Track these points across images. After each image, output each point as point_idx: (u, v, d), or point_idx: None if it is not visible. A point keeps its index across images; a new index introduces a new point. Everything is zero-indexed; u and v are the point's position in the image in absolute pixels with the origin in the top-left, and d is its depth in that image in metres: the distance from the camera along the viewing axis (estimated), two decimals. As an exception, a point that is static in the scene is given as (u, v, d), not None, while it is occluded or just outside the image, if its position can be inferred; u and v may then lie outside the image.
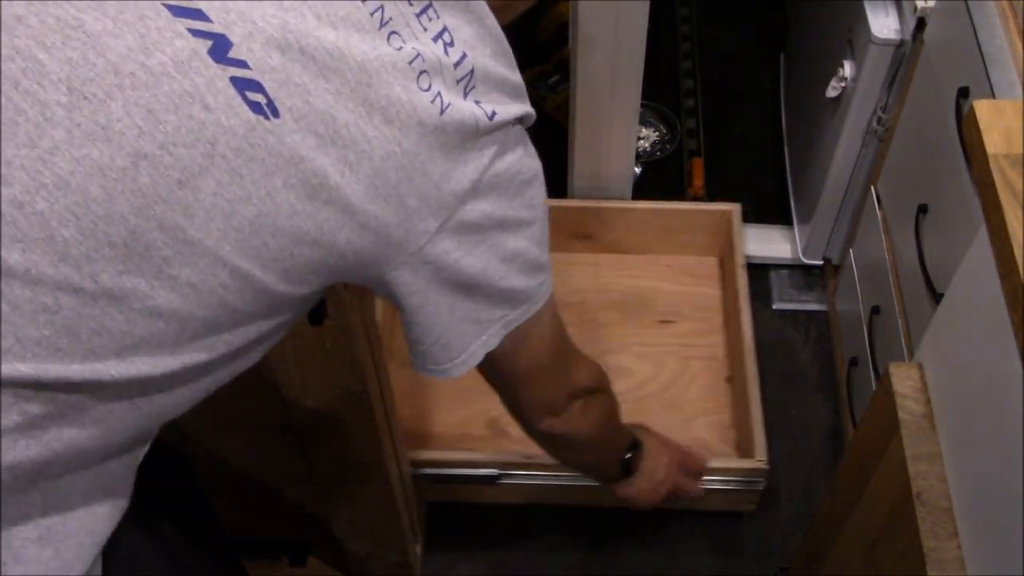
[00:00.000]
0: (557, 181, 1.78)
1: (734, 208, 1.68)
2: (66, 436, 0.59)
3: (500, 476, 1.42)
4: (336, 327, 0.96)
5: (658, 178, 1.96)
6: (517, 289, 0.75)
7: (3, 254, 0.52)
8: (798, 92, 1.87)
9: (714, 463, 1.39)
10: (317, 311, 0.94)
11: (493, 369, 0.82)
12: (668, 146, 2.00)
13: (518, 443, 1.50)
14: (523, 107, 0.72)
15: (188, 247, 0.57)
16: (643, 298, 1.69)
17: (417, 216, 0.64)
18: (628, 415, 1.53)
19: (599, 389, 0.97)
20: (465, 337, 0.75)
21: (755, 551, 1.52)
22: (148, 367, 0.60)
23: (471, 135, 0.65)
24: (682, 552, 1.53)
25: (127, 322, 0.57)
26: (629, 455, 1.10)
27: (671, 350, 1.63)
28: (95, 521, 0.65)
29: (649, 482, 1.14)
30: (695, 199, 1.89)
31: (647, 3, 1.40)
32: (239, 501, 1.29)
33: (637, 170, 1.91)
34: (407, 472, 1.33)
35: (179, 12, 0.55)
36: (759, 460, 1.37)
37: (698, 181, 1.92)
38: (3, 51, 0.52)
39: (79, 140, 0.53)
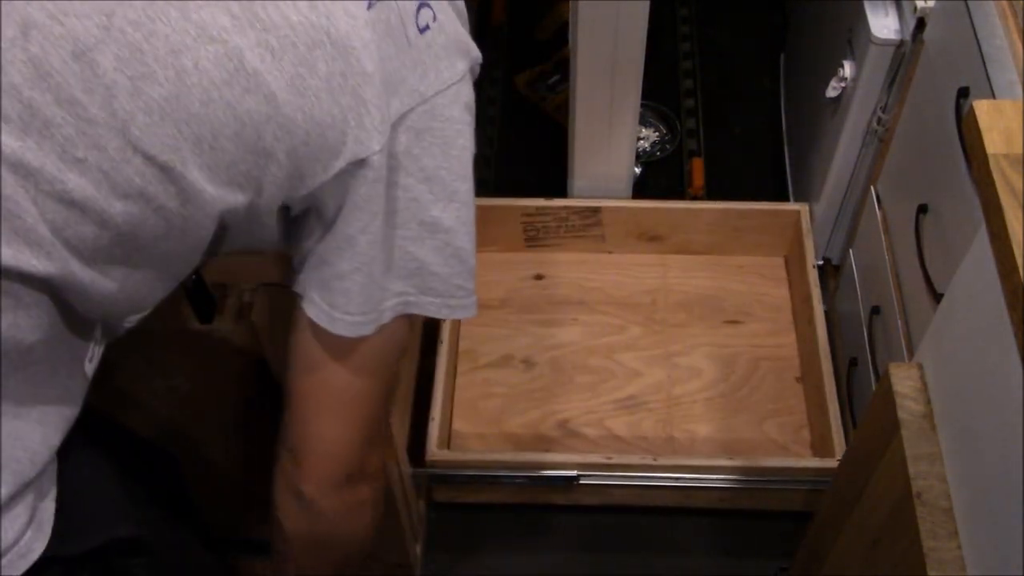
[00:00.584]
0: (557, 181, 1.78)
1: (802, 208, 1.67)
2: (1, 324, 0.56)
3: (579, 477, 1.42)
4: (336, 327, 0.95)
5: (658, 178, 1.96)
6: (429, 268, 0.68)
7: None
8: (798, 92, 1.87)
9: (792, 463, 1.41)
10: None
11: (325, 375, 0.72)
12: (668, 146, 2.00)
13: (594, 444, 1.52)
14: (467, 35, 0.66)
15: (91, 126, 0.54)
16: (711, 298, 1.70)
17: (355, 120, 0.59)
18: (698, 417, 1.56)
19: (378, 486, 0.82)
20: (368, 292, 0.67)
21: (755, 551, 1.52)
22: (75, 266, 0.57)
23: (403, 43, 0.61)
24: (682, 552, 1.53)
25: (35, 203, 0.54)
26: None
27: (740, 350, 1.63)
28: (29, 428, 0.63)
29: None
30: (695, 199, 1.89)
31: (647, 3, 1.40)
32: (239, 501, 1.29)
33: (637, 170, 1.91)
34: (407, 472, 1.33)
35: None
36: (838, 459, 1.36)
37: (698, 181, 1.92)
38: None
39: None
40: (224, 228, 0.64)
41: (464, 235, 0.69)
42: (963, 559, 0.79)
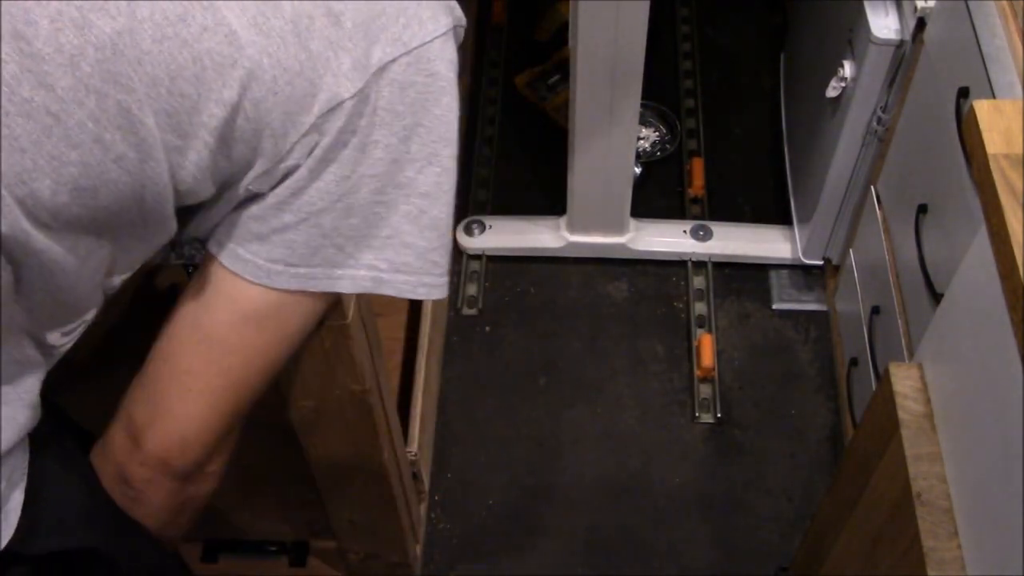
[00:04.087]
0: (557, 182, 1.78)
1: None
2: None
3: None
4: (336, 327, 0.95)
5: (658, 178, 1.96)
6: (402, 237, 0.63)
7: None
8: (798, 92, 1.87)
9: None
10: (317, 311, 0.94)
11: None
12: (668, 146, 2.00)
13: None
14: None
15: (37, 62, 0.50)
16: None
17: (323, 66, 0.55)
18: None
19: (210, 490, 0.75)
20: (317, 245, 0.62)
21: (755, 551, 1.52)
22: (27, 226, 0.52)
23: None
24: (682, 552, 1.53)
25: None
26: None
27: None
28: None
29: None
30: (695, 199, 1.89)
31: (647, 3, 1.40)
32: (239, 501, 1.29)
33: (637, 170, 1.91)
34: (407, 472, 1.33)
35: None
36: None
37: (698, 181, 1.92)
38: None
39: None
40: (184, 196, 0.59)
41: (443, 204, 0.64)
42: (963, 559, 0.79)
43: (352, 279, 0.64)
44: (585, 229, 1.80)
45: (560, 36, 2.06)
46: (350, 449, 1.15)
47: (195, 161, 0.56)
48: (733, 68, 2.15)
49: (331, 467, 1.19)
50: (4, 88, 0.49)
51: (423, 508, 1.51)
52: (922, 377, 0.89)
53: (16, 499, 0.63)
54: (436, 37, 0.59)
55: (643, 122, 1.99)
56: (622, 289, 1.83)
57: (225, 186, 0.61)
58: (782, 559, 1.45)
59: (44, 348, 0.64)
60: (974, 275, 0.78)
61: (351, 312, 0.96)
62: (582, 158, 1.66)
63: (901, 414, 0.87)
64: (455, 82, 0.61)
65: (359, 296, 0.97)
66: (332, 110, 0.57)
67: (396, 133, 0.60)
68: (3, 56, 0.49)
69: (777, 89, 2.03)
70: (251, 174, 0.59)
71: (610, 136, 1.61)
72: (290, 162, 0.58)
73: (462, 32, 0.62)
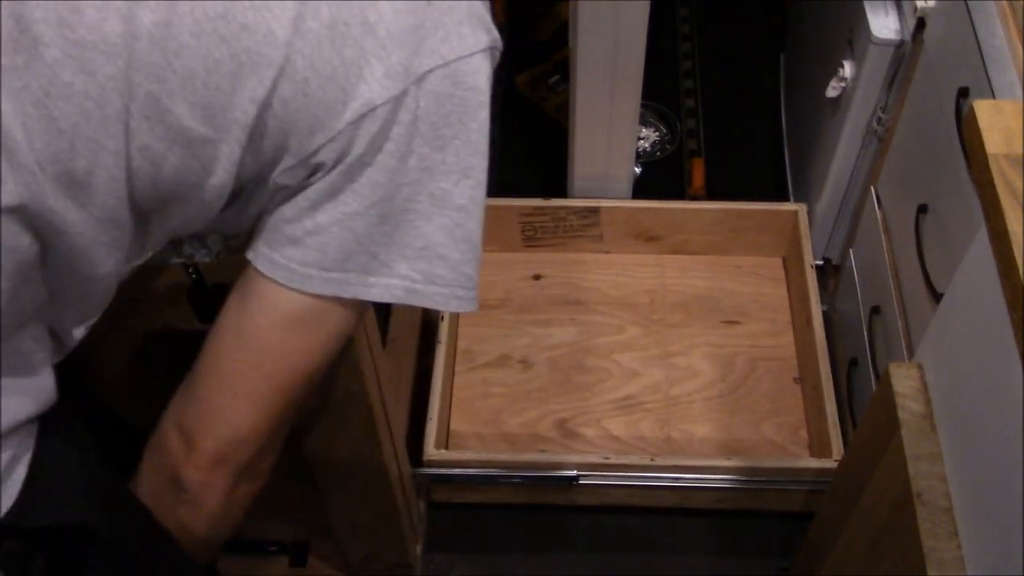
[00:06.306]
0: (557, 181, 1.78)
1: (800, 208, 1.68)
2: None
3: (579, 477, 1.42)
4: (336, 327, 0.95)
5: (658, 178, 1.96)
6: (436, 249, 0.64)
7: None
8: (798, 92, 1.87)
9: (791, 464, 1.41)
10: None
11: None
12: (668, 146, 2.00)
13: (591, 445, 1.53)
14: (488, 16, 0.62)
15: (80, 49, 0.52)
16: (709, 298, 1.70)
17: (356, 74, 0.57)
18: (696, 417, 1.56)
19: (260, 488, 0.76)
20: (350, 250, 0.63)
21: (755, 551, 1.52)
22: (49, 190, 0.54)
23: (421, 1, 0.58)
24: (682, 552, 1.53)
25: (23, 128, 0.52)
26: None
27: (738, 351, 1.63)
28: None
29: None
30: (695, 199, 1.89)
31: (647, 3, 1.40)
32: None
33: (637, 170, 1.91)
34: (407, 472, 1.33)
35: None
36: (836, 460, 1.37)
37: (698, 181, 1.92)
38: None
39: None
40: (212, 188, 0.61)
41: (476, 218, 0.65)
42: (963, 559, 0.79)
43: (385, 287, 0.64)
44: (585, 229, 1.80)
45: (560, 36, 2.05)
46: (350, 449, 1.15)
47: (227, 155, 0.57)
48: (733, 68, 2.15)
49: (331, 467, 1.19)
50: (46, 71, 0.51)
51: (423, 508, 1.51)
52: (922, 377, 0.89)
53: (19, 473, 0.63)
54: (475, 52, 0.60)
55: (643, 122, 1.99)
56: (622, 289, 1.83)
57: (252, 182, 0.62)
58: (782, 559, 1.45)
59: (58, 342, 0.65)
60: (974, 275, 0.79)
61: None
62: (582, 158, 1.66)
63: (901, 414, 0.87)
64: (490, 99, 0.62)
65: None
66: (364, 116, 0.57)
67: (431, 143, 0.60)
68: (47, 40, 0.50)
69: (777, 89, 2.03)
70: (278, 168, 0.60)
71: (610, 136, 1.61)
72: (317, 159, 0.59)
73: (498, 55, 0.63)
